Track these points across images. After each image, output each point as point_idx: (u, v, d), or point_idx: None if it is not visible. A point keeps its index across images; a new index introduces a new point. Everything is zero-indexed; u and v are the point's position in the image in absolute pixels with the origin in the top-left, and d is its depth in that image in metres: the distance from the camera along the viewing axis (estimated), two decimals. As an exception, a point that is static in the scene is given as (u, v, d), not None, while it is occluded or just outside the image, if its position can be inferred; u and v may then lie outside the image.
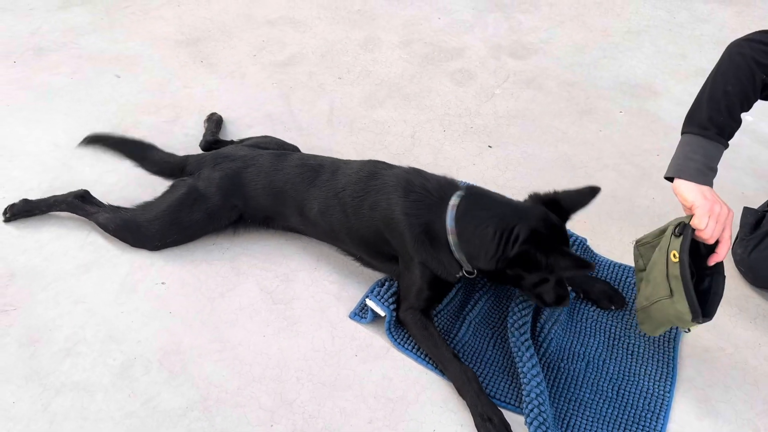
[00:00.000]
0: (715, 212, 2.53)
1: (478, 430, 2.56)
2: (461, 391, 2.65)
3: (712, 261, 2.58)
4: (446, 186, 2.82)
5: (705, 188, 2.59)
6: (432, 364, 2.78)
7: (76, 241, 3.26)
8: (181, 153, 3.67)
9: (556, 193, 2.75)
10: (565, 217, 2.74)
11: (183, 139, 3.91)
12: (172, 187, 3.28)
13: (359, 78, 4.60)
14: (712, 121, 2.66)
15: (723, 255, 2.56)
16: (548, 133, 4.11)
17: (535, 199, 2.76)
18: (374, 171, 2.98)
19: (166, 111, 4.17)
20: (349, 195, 2.95)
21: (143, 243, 3.20)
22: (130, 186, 3.55)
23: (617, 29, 5.18)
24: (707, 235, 2.52)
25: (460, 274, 2.84)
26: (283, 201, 3.13)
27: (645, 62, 4.78)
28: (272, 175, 3.14)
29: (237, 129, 4.02)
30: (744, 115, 4.03)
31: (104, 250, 3.23)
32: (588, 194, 2.72)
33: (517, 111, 4.30)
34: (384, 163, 3.09)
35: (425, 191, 2.79)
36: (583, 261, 2.51)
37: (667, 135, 4.06)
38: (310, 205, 3.06)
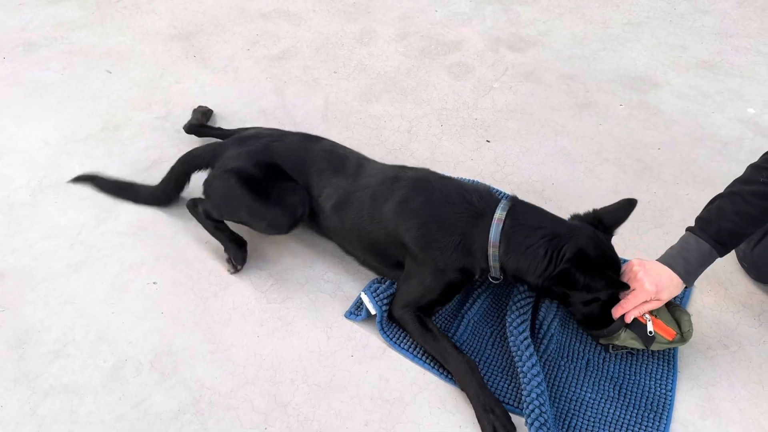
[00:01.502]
0: (635, 276, 2.63)
1: (480, 421, 2.54)
2: (463, 383, 2.63)
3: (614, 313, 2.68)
4: (487, 197, 2.78)
5: (658, 270, 2.63)
6: (428, 363, 2.75)
7: (66, 240, 3.23)
8: (172, 149, 3.66)
9: (596, 212, 2.76)
10: (609, 233, 2.74)
11: (175, 136, 3.87)
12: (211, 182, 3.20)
13: (355, 72, 4.57)
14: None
15: (616, 313, 2.67)
16: (547, 127, 4.08)
17: (578, 220, 2.76)
18: (399, 175, 2.94)
19: (158, 107, 4.15)
20: (369, 196, 2.91)
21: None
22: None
23: (617, 21, 5.15)
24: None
25: (479, 275, 2.84)
26: (306, 184, 3.08)
27: (645, 54, 4.75)
28: (301, 153, 3.12)
29: (230, 125, 3.97)
30: (746, 108, 4.03)
31: (94, 249, 3.20)
32: (626, 208, 2.73)
33: (515, 105, 4.27)
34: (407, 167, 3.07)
35: (466, 202, 2.75)
36: (618, 282, 2.55)
37: (668, 128, 4.03)
38: (329, 195, 3.01)
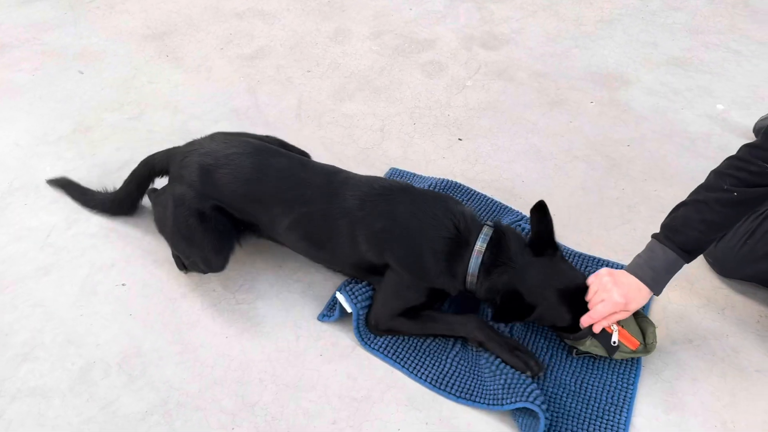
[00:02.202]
0: (605, 286, 2.63)
1: (510, 362, 2.66)
2: (479, 339, 2.75)
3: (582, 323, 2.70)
4: (471, 224, 2.79)
5: (627, 279, 2.65)
6: (399, 362, 2.78)
7: (36, 243, 3.25)
8: (143, 150, 3.61)
9: (532, 240, 2.72)
10: (555, 249, 2.73)
11: (147, 136, 3.89)
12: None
13: (328, 71, 4.58)
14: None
15: (584, 322, 2.67)
16: (518, 124, 4.10)
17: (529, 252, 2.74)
18: (377, 194, 2.86)
19: (130, 107, 4.16)
20: (348, 223, 2.82)
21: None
22: (91, 186, 3.51)
23: (589, 18, 5.18)
24: (588, 295, 2.68)
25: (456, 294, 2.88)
26: (265, 210, 2.95)
27: (617, 51, 4.78)
28: (252, 186, 2.92)
29: (203, 124, 4.00)
30: (715, 104, 4.06)
31: (64, 251, 3.21)
32: (542, 215, 2.68)
33: (487, 103, 4.29)
34: (387, 179, 3.01)
35: (455, 230, 2.76)
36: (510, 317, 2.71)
37: (638, 125, 4.07)
38: (292, 226, 2.91)
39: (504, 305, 2.64)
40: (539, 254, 2.68)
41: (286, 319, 2.95)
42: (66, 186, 3.52)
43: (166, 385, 2.68)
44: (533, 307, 2.63)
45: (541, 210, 2.66)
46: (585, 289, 2.69)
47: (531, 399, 2.50)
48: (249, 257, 3.20)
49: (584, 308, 2.65)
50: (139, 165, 3.27)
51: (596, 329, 2.65)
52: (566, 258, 2.78)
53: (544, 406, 2.49)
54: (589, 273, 2.75)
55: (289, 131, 3.93)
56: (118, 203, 3.36)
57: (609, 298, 2.57)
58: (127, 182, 3.31)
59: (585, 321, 2.64)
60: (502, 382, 2.61)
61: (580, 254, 3.21)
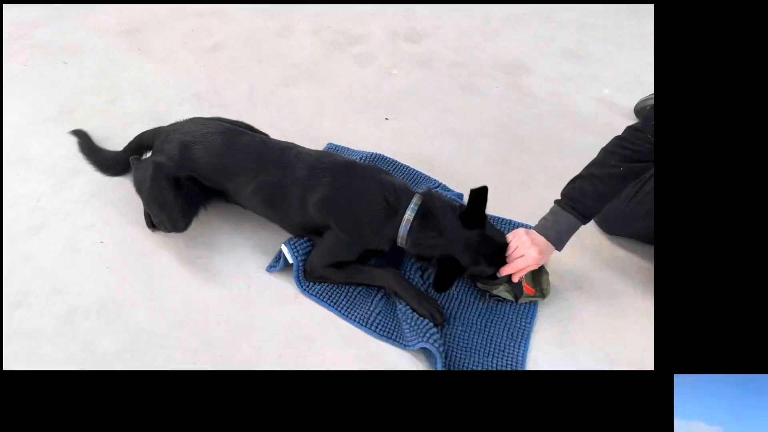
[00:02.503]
0: (524, 244, 2.70)
1: (417, 310, 2.72)
2: (394, 288, 2.81)
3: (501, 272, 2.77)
4: (401, 195, 2.79)
5: (539, 239, 2.73)
6: (333, 306, 2.82)
7: (27, 207, 3.23)
8: (118, 128, 3.67)
9: (468, 212, 2.70)
10: (483, 219, 2.73)
11: (121, 118, 3.86)
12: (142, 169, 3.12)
13: (276, 61, 4.56)
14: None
15: (504, 272, 2.74)
16: (437, 107, 4.13)
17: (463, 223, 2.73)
18: (324, 167, 2.88)
19: (107, 93, 4.10)
20: (299, 189, 2.86)
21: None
22: (77, 157, 3.53)
23: (497, 16, 5.20)
24: (509, 251, 2.75)
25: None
26: (232, 179, 3.00)
27: (520, 44, 4.82)
28: (223, 158, 2.99)
29: (168, 107, 3.99)
30: (602, 89, 4.10)
31: (51, 214, 3.19)
32: (481, 197, 2.67)
33: (410, 88, 4.31)
34: (333, 155, 3.02)
35: (386, 202, 2.77)
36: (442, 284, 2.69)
37: (537, 107, 4.13)
38: (256, 191, 2.95)
39: (441, 271, 2.66)
40: (469, 226, 2.69)
41: (239, 271, 2.97)
42: (81, 137, 3.65)
43: (137, 327, 2.69)
44: (465, 269, 2.70)
45: (481, 193, 2.66)
46: (506, 246, 2.75)
47: (430, 341, 2.57)
48: (209, 219, 3.20)
49: (504, 261, 2.73)
50: (133, 139, 3.37)
51: (515, 279, 2.73)
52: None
53: (441, 349, 2.56)
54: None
55: (242, 112, 3.88)
56: (114, 165, 3.45)
57: (528, 255, 2.66)
58: (123, 151, 3.41)
59: (506, 271, 2.72)
60: (407, 326, 2.67)
61: (490, 216, 3.23)
